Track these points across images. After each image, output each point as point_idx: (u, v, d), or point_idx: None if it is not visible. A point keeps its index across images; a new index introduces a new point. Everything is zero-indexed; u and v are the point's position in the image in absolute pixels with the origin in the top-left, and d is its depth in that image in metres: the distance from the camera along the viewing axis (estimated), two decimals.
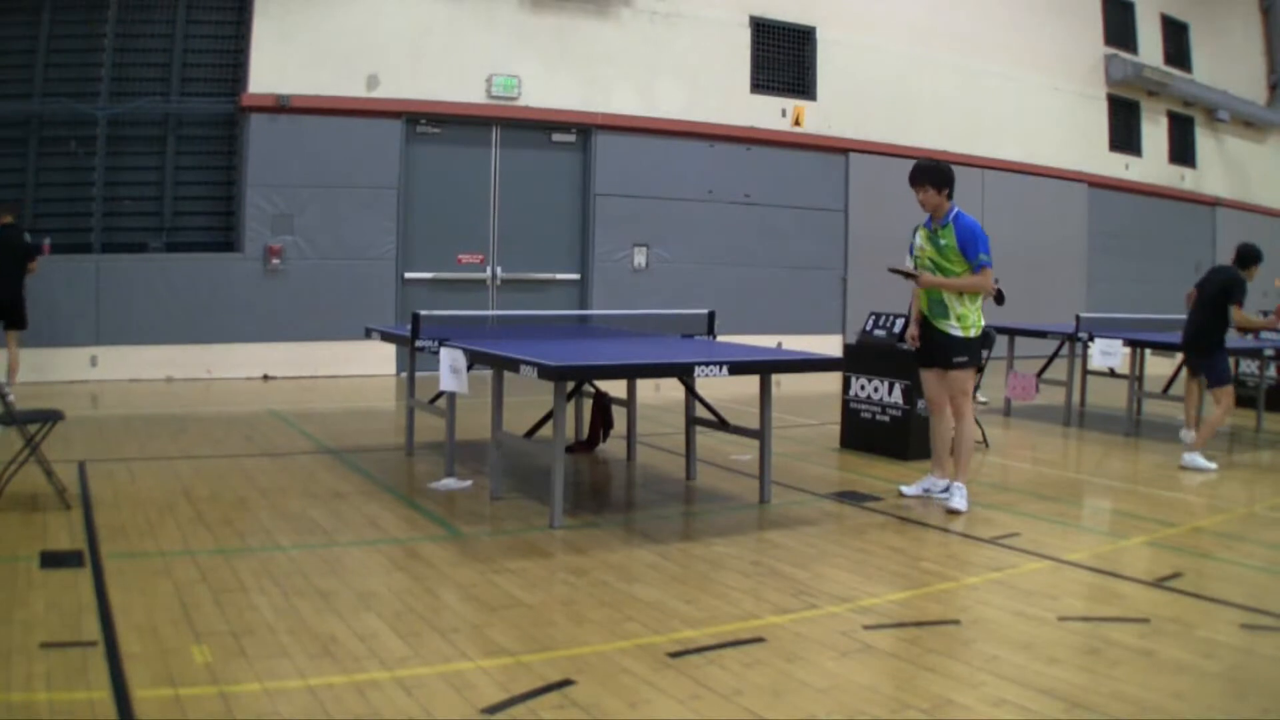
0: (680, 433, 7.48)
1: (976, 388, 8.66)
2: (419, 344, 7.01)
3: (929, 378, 6.73)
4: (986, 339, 7.94)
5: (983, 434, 8.85)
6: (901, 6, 16.93)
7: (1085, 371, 10.85)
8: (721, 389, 8.15)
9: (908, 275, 6.58)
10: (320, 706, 3.42)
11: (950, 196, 6.49)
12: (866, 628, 4.32)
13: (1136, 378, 10.24)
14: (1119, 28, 20.04)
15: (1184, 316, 8.71)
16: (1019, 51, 18.15)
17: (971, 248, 6.36)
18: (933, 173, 6.49)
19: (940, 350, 6.54)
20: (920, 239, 6.61)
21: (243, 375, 12.41)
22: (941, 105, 17.10)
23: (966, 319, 6.47)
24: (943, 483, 6.70)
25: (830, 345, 13.07)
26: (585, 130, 14.29)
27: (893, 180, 11.48)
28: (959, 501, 6.43)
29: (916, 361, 6.90)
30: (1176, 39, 21.33)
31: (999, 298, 7.96)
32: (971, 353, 6.54)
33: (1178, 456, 8.18)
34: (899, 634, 4.27)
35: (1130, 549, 5.74)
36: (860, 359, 8.50)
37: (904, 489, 6.83)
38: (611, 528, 5.94)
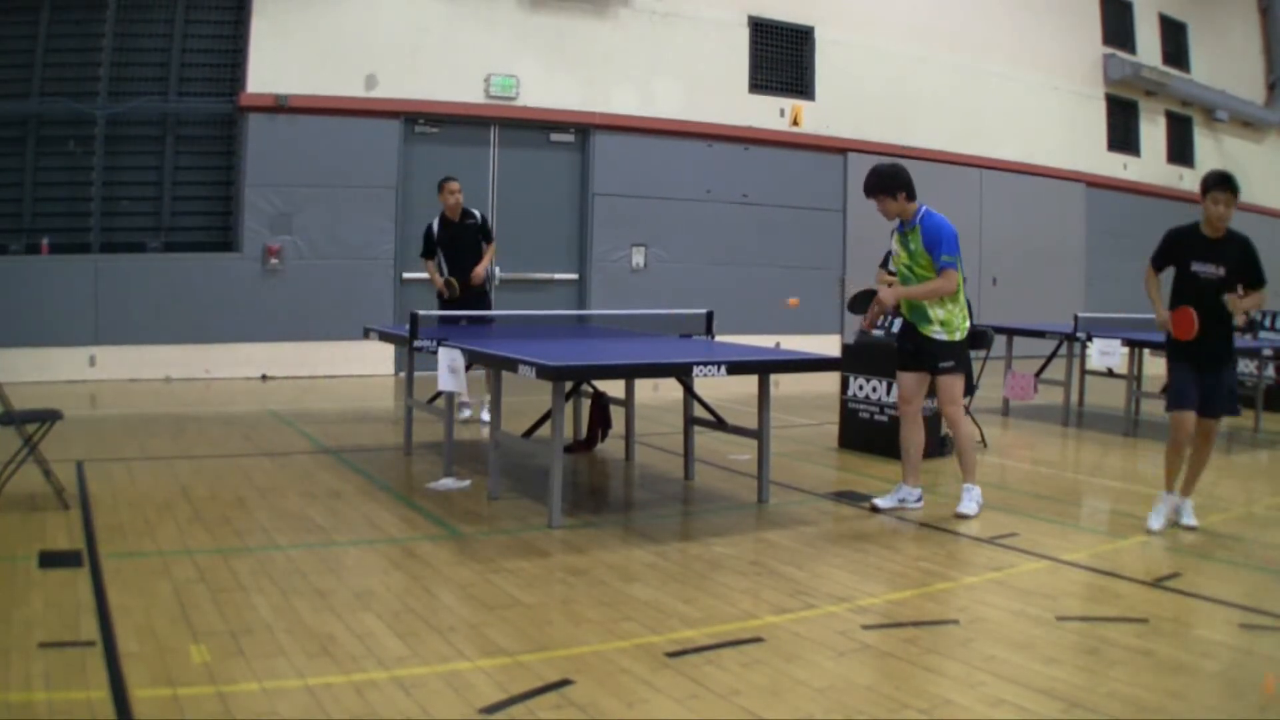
0: (678, 432, 7.48)
1: (971, 396, 8.55)
2: (417, 344, 7.01)
3: (906, 381, 6.41)
4: (984, 338, 7.84)
5: (981, 434, 8.85)
6: (900, 6, 16.92)
7: (1084, 371, 10.85)
8: (720, 389, 8.15)
9: (870, 305, 6.39)
10: (318, 706, 3.42)
11: (911, 198, 6.20)
12: (865, 627, 4.32)
13: (1135, 378, 10.25)
14: (1117, 27, 20.04)
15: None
16: (1017, 51, 18.15)
17: (936, 248, 6.09)
18: (879, 181, 6.21)
19: (925, 356, 6.28)
20: (895, 244, 6.40)
21: (241, 375, 12.40)
22: (940, 105, 17.08)
23: (950, 323, 6.19)
24: (916, 492, 6.43)
25: (829, 345, 13.06)
26: (584, 130, 14.29)
27: None
28: (969, 505, 6.23)
29: (898, 363, 6.54)
30: (1175, 39, 21.33)
31: None
32: (957, 357, 6.22)
33: None
34: (897, 634, 4.27)
35: (1128, 549, 5.74)
36: (859, 359, 8.50)
37: (878, 501, 6.47)
38: (610, 527, 5.94)
